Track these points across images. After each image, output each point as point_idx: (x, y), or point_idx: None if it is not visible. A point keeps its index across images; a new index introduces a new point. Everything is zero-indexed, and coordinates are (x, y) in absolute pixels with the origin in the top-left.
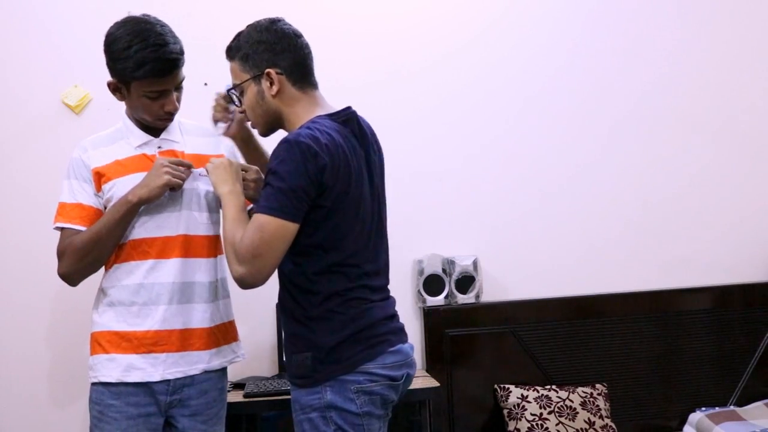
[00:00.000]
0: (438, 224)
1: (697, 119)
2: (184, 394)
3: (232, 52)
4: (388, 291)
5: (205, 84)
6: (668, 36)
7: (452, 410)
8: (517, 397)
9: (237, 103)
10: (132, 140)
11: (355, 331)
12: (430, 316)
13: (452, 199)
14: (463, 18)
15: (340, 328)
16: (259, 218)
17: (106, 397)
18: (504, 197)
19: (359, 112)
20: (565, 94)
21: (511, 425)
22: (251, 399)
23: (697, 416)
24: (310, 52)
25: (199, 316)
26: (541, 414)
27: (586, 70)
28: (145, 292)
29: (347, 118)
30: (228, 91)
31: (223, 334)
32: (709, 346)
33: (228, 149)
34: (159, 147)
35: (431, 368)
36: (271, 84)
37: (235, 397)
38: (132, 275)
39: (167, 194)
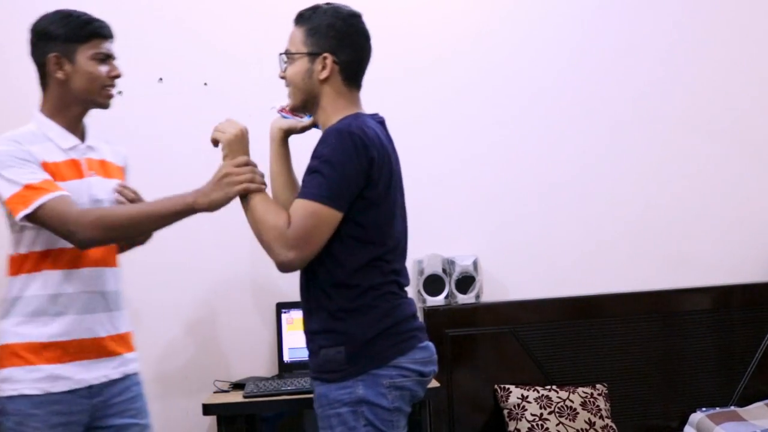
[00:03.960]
0: (438, 224)
1: (698, 119)
2: (107, 395)
3: (302, 19)
4: (407, 291)
5: (205, 84)
6: (669, 37)
7: (452, 410)
8: (518, 398)
9: (282, 67)
10: (61, 142)
11: (389, 326)
12: (430, 316)
13: (452, 199)
14: (463, 20)
15: (375, 321)
16: (312, 206)
17: (26, 407)
18: (504, 197)
19: None
20: (566, 95)
21: (512, 425)
22: (251, 399)
23: (697, 416)
24: (370, 58)
25: (117, 323)
26: (542, 414)
27: (586, 71)
28: (67, 300)
29: (382, 121)
30: (280, 54)
31: (130, 341)
32: (710, 346)
33: (123, 159)
34: (82, 155)
35: None
36: (323, 68)
37: (235, 397)
38: (52, 283)
39: (94, 204)
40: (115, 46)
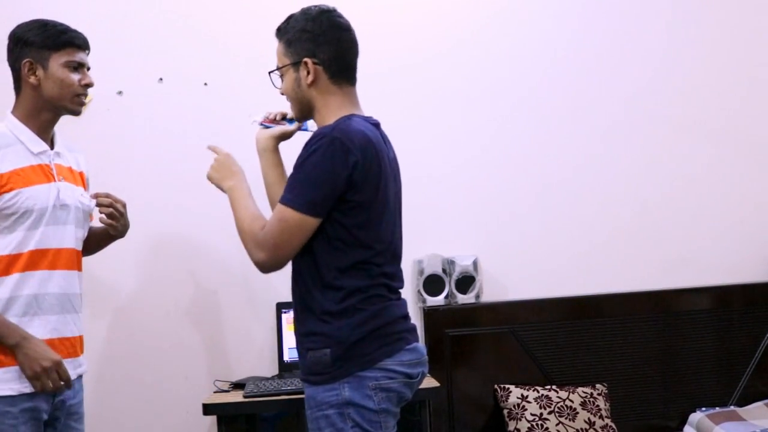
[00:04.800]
0: (438, 224)
1: (698, 118)
2: (66, 396)
3: (280, 33)
4: (401, 293)
5: (205, 84)
6: (666, 35)
7: (452, 410)
8: (517, 397)
9: (277, 84)
10: (32, 146)
11: (375, 328)
12: (430, 316)
13: (452, 199)
14: (461, 21)
15: (361, 323)
16: (284, 211)
17: (1, 405)
18: (504, 197)
19: None
20: (564, 94)
21: (511, 425)
22: (251, 399)
23: (697, 416)
24: (354, 48)
25: (78, 326)
26: (541, 414)
27: (586, 71)
28: (41, 301)
29: (376, 123)
30: (270, 73)
31: (82, 343)
32: (710, 346)
33: (84, 167)
34: (51, 160)
35: (431, 368)
36: (308, 73)
37: (235, 397)
38: (27, 285)
39: (60, 208)
40: (90, 57)
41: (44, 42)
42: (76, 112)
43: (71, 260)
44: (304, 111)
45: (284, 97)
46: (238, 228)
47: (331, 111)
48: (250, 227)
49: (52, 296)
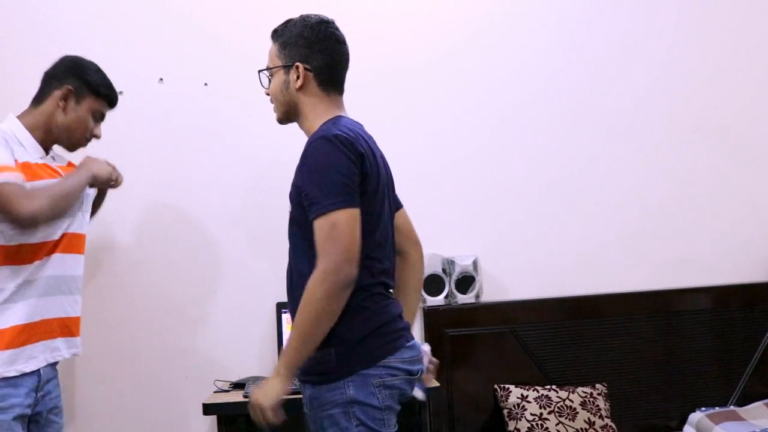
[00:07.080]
0: (438, 224)
1: (697, 119)
2: (46, 389)
3: (276, 35)
4: (392, 292)
5: (206, 84)
6: (666, 37)
7: (452, 410)
8: (517, 397)
9: (265, 84)
10: (32, 153)
11: (378, 326)
12: (430, 316)
13: (452, 199)
14: (461, 19)
15: (365, 322)
16: (327, 218)
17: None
18: (504, 197)
19: (358, 112)
20: (565, 95)
21: (511, 425)
22: None
23: (697, 416)
24: (345, 62)
25: (78, 306)
26: (541, 414)
27: (585, 71)
28: (60, 282)
29: (361, 126)
30: (260, 71)
31: (79, 324)
32: (709, 346)
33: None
34: (53, 163)
35: None
36: (297, 77)
37: (235, 397)
38: (45, 269)
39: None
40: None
41: (92, 84)
42: (70, 150)
43: (81, 244)
44: (289, 113)
45: (269, 97)
46: (314, 297)
47: (317, 115)
48: (315, 276)
49: (64, 278)
